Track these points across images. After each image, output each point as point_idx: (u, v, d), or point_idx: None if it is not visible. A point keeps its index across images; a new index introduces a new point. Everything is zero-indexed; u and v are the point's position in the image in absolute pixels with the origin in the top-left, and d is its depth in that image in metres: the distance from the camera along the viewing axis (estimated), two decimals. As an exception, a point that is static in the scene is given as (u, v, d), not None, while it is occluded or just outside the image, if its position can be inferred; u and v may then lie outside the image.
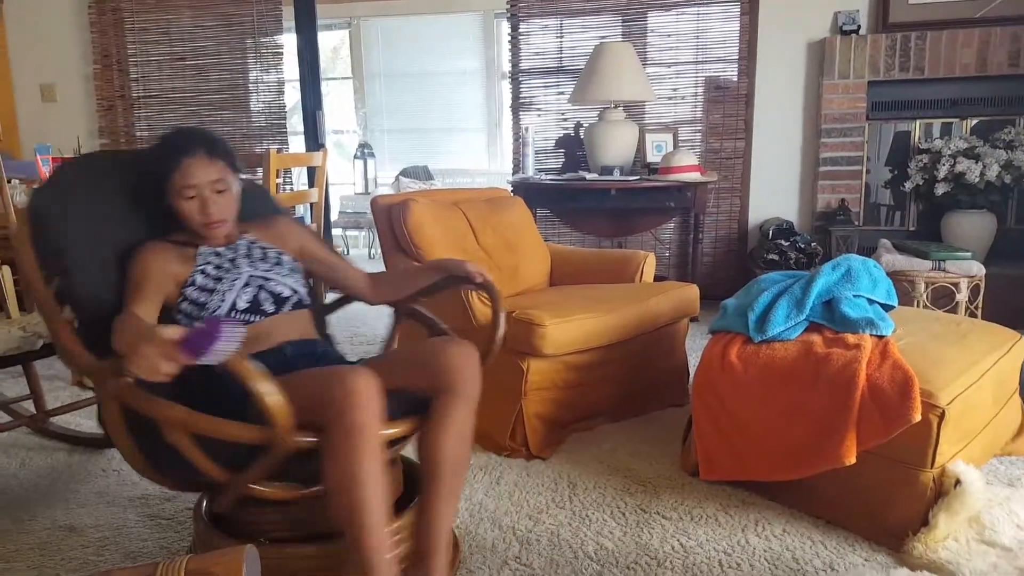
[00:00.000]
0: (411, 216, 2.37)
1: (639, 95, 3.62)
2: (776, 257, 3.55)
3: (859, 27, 3.67)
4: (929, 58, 3.54)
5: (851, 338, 1.73)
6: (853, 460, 1.58)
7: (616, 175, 3.53)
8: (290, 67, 4.39)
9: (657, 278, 2.77)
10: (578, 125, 4.03)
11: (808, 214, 3.90)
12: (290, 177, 4.78)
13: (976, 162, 3.26)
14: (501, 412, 2.10)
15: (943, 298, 2.90)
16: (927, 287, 2.89)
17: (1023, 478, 1.90)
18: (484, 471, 2.01)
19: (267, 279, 1.48)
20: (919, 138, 3.69)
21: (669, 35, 3.97)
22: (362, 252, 6.57)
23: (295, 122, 4.70)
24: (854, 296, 1.87)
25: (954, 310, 2.86)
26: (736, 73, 3.91)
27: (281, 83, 4.42)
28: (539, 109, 4.19)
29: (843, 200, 3.73)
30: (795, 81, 3.84)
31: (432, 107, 4.58)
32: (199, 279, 1.43)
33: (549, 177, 3.75)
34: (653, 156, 3.82)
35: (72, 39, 4.45)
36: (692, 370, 2.25)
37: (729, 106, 3.94)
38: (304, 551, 1.34)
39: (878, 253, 3.08)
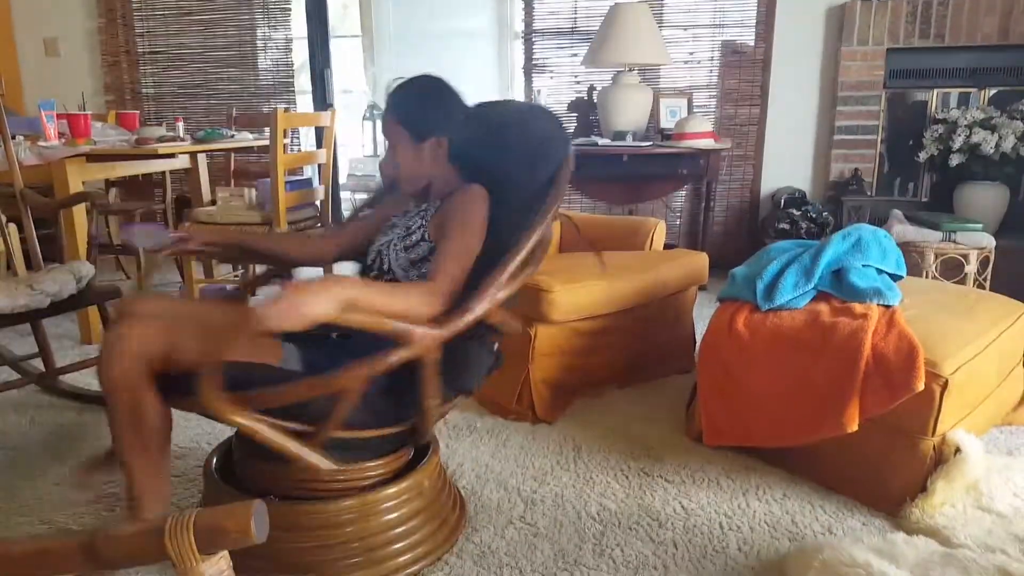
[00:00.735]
0: (421, 178, 2.36)
1: (654, 58, 3.56)
2: (787, 226, 3.53)
3: (880, -9, 3.58)
4: (950, 25, 3.47)
5: (858, 307, 1.73)
6: (855, 428, 1.60)
7: (629, 140, 3.49)
8: (298, 24, 4.32)
9: (667, 246, 2.77)
10: (591, 88, 3.97)
11: (821, 183, 3.86)
12: (298, 138, 4.75)
13: (992, 133, 3.21)
14: (508, 377, 2.12)
15: (952, 269, 2.89)
16: (937, 258, 2.88)
17: (1022, 447, 1.92)
18: (490, 434, 2.04)
19: (388, 249, 1.50)
20: (936, 108, 3.63)
21: (685, -3, 3.89)
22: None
23: (303, 81, 4.64)
24: (863, 266, 1.86)
25: (963, 281, 2.85)
26: (753, 38, 3.83)
27: (289, 40, 4.36)
28: (552, 71, 4.13)
29: (856, 170, 3.69)
30: (813, 47, 3.76)
31: (443, 67, 4.49)
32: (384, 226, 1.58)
33: (559, 141, 3.71)
34: (667, 122, 3.77)
35: (77, -8, 4.38)
36: (699, 338, 2.27)
37: (745, 72, 3.88)
38: (312, 507, 1.36)
39: (889, 223, 3.06)
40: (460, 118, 1.50)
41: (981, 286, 2.91)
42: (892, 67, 3.61)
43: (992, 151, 3.20)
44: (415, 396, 1.34)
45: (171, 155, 3.10)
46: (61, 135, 2.81)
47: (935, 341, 1.63)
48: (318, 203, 3.15)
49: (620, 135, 3.54)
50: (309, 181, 3.16)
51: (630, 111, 3.63)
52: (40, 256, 2.29)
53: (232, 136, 3.33)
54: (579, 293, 2.11)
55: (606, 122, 3.70)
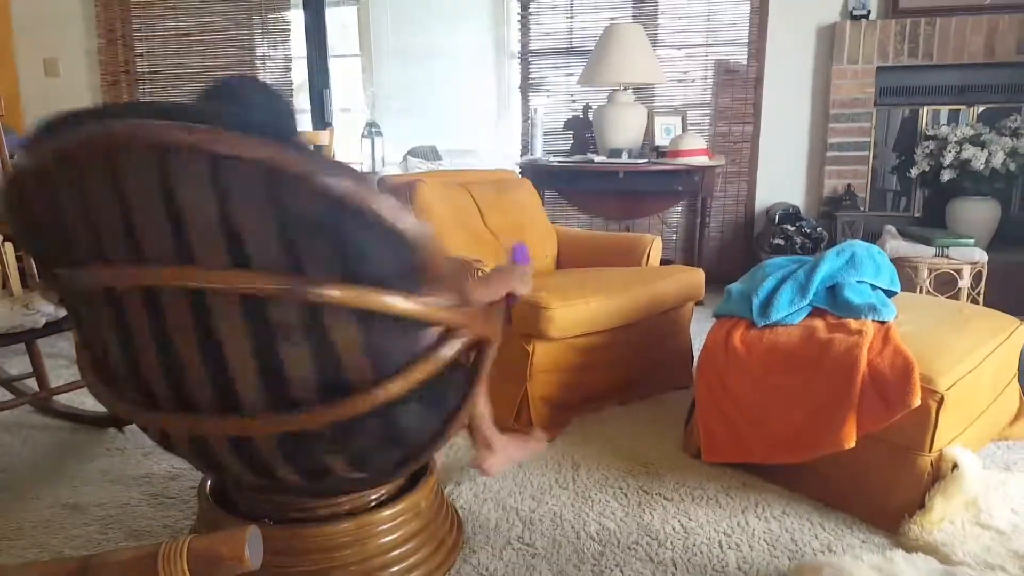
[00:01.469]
0: (419, 197, 2.37)
1: (649, 77, 3.60)
2: (782, 242, 3.55)
3: (869, 12, 3.64)
4: (938, 44, 3.51)
5: (853, 323, 1.74)
6: (853, 444, 1.60)
7: (624, 158, 3.52)
8: (297, 44, 4.36)
9: (663, 262, 2.78)
10: (587, 107, 4.01)
11: (815, 199, 3.89)
12: (295, 156, 4.76)
13: (982, 149, 3.25)
14: (506, 394, 2.12)
15: (946, 284, 2.91)
16: (930, 273, 2.90)
17: (1019, 462, 1.92)
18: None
19: None
20: (926, 124, 3.67)
21: (680, 17, 3.94)
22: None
23: (302, 100, 4.67)
24: (858, 282, 1.88)
25: (957, 296, 2.87)
26: (746, 57, 3.88)
27: (288, 60, 4.39)
28: (548, 90, 4.17)
29: (849, 185, 3.72)
30: (804, 65, 3.81)
31: (441, 86, 4.55)
32: None
33: (557, 159, 3.75)
34: (662, 139, 3.81)
35: (76, 13, 4.41)
36: (696, 354, 2.27)
37: (738, 90, 3.92)
38: (308, 531, 1.35)
39: (883, 239, 3.08)
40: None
41: (975, 301, 2.92)
42: (882, 84, 3.66)
43: (982, 167, 3.23)
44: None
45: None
46: (59, 155, 2.81)
47: (930, 357, 1.64)
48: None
49: (616, 152, 3.56)
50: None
51: (625, 129, 3.66)
52: (37, 275, 2.28)
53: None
54: (577, 309, 2.11)
55: (602, 140, 3.73)
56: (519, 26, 4.13)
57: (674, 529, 1.65)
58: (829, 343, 1.69)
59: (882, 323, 1.75)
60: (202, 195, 0.97)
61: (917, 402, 1.54)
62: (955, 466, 1.60)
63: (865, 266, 1.90)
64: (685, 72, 3.99)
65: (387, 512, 1.40)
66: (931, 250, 2.92)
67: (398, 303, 1.09)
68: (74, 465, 1.99)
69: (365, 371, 1.13)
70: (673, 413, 2.24)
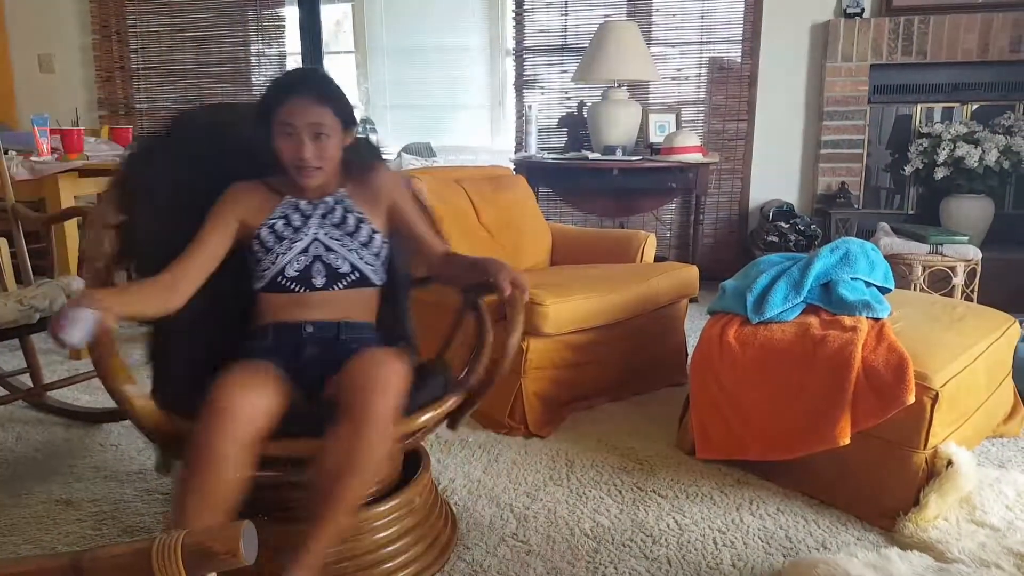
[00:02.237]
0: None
1: (643, 75, 3.60)
2: (776, 239, 3.55)
3: (863, 10, 3.64)
4: (931, 42, 3.52)
5: (847, 320, 1.74)
6: (847, 441, 1.61)
7: (618, 155, 3.51)
8: (292, 41, 4.34)
9: (657, 259, 2.78)
10: (581, 104, 4.00)
11: (808, 197, 3.90)
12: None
13: (975, 147, 3.26)
14: (500, 391, 2.11)
15: (940, 281, 2.92)
16: (924, 270, 2.91)
17: (1014, 459, 1.93)
18: (483, 449, 2.04)
19: (329, 249, 1.42)
20: (920, 122, 3.68)
21: (674, 15, 3.93)
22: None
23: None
24: (852, 279, 1.88)
25: (950, 294, 2.88)
26: (740, 54, 3.88)
27: (283, 57, 4.37)
28: (542, 87, 4.16)
29: (843, 183, 3.73)
30: (798, 63, 3.81)
31: (435, 83, 4.53)
32: (264, 233, 1.42)
33: (552, 156, 3.74)
34: (656, 136, 3.80)
35: (70, 8, 4.39)
36: (690, 351, 2.27)
37: (732, 87, 3.92)
38: (302, 528, 1.34)
39: (877, 236, 3.09)
40: None
41: (969, 298, 2.93)
42: (876, 82, 3.66)
43: (976, 164, 3.24)
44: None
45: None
46: (54, 150, 2.80)
47: (924, 354, 1.64)
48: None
49: (610, 150, 3.56)
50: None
51: (620, 126, 3.65)
52: (31, 271, 2.28)
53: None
54: (571, 306, 2.11)
55: (596, 137, 3.72)
56: (513, 23, 4.12)
57: (668, 526, 1.65)
58: (823, 340, 1.69)
59: (876, 320, 1.75)
60: None
61: (911, 399, 1.55)
62: (949, 463, 1.60)
63: (859, 263, 1.91)
64: (679, 69, 3.99)
65: (381, 508, 1.40)
66: (925, 247, 2.93)
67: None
68: (68, 461, 1.98)
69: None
70: (667, 410, 2.25)
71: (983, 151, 3.23)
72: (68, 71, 4.46)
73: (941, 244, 2.92)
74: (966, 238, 2.96)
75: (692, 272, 2.51)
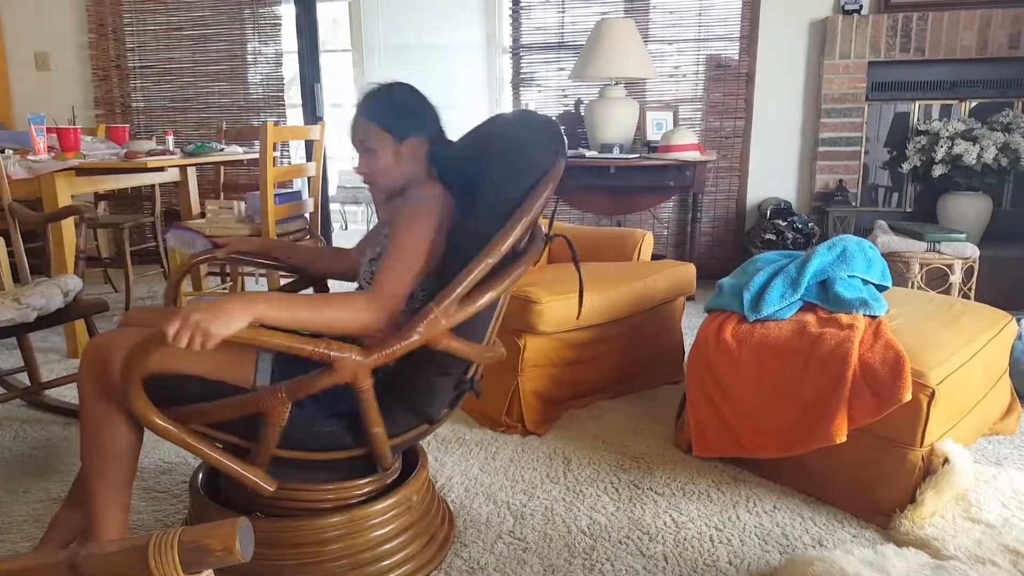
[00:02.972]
0: (410, 192, 2.36)
1: (640, 72, 3.60)
2: (773, 237, 3.56)
3: (861, 7, 3.64)
4: (930, 39, 3.52)
5: (844, 318, 1.74)
6: (844, 438, 1.61)
7: (616, 153, 3.51)
8: (288, 39, 4.34)
9: (655, 256, 2.78)
10: (578, 102, 4.00)
11: (806, 194, 3.90)
12: (287, 151, 4.74)
13: (973, 144, 3.26)
14: (497, 389, 2.12)
15: (937, 279, 2.92)
16: (922, 268, 2.91)
17: (1010, 457, 1.93)
18: (480, 447, 2.04)
19: (365, 264, 1.48)
20: (918, 119, 3.69)
21: (671, 12, 3.93)
22: (360, 227, 6.56)
23: (293, 95, 4.65)
24: (849, 276, 1.88)
25: (948, 291, 2.88)
26: (738, 52, 3.88)
27: (279, 55, 4.37)
28: (539, 85, 4.16)
29: (841, 181, 3.73)
30: (796, 60, 3.81)
31: (432, 81, 4.54)
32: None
33: (548, 154, 3.73)
34: (653, 134, 3.81)
35: (67, 7, 4.38)
36: (687, 348, 2.27)
37: (730, 85, 3.92)
38: (299, 524, 1.35)
39: (874, 234, 3.09)
40: (437, 122, 1.48)
41: (966, 296, 2.94)
42: (874, 80, 3.67)
43: (974, 162, 3.24)
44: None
45: (160, 168, 3.09)
46: (51, 149, 2.80)
47: (921, 351, 1.64)
48: (307, 215, 3.15)
49: (607, 147, 3.56)
50: (299, 194, 3.16)
51: (617, 124, 3.65)
52: (28, 269, 2.27)
53: (222, 150, 3.33)
54: (568, 304, 2.11)
55: (593, 134, 3.72)
56: (510, 21, 4.12)
57: (665, 524, 1.65)
58: (820, 337, 1.70)
59: (873, 318, 1.76)
60: None
61: (908, 396, 1.55)
62: (946, 461, 1.61)
63: (856, 261, 1.91)
64: (676, 67, 3.99)
65: (378, 506, 1.40)
66: (922, 245, 2.93)
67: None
68: (65, 459, 1.98)
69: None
70: (664, 408, 2.25)
71: (981, 148, 3.24)
72: (64, 70, 4.46)
73: (939, 242, 2.92)
74: (964, 236, 2.96)
75: (689, 270, 2.51)
